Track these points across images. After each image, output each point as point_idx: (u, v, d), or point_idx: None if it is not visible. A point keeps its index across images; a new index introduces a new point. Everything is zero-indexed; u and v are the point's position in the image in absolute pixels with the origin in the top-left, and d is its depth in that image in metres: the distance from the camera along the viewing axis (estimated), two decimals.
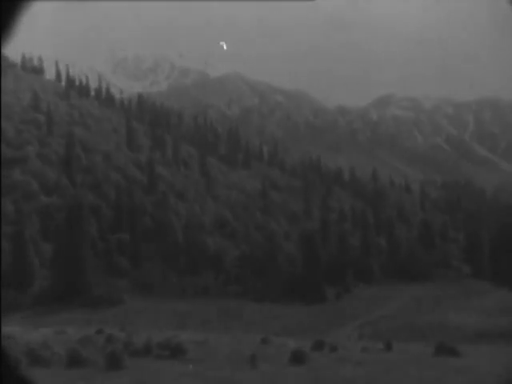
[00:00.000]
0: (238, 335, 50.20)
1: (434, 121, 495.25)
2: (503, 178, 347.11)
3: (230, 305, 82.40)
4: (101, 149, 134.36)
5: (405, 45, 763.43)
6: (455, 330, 61.55)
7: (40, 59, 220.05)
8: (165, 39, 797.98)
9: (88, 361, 28.50)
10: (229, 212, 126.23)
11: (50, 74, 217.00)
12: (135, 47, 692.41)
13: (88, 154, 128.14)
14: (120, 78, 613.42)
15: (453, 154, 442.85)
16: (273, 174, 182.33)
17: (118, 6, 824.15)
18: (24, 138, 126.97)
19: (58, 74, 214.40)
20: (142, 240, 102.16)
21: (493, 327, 61.82)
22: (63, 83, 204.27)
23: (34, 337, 39.41)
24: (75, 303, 76.58)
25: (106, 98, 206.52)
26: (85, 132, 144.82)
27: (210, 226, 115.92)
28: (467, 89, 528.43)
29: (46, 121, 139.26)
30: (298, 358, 30.97)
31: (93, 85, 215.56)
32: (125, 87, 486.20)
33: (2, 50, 8.91)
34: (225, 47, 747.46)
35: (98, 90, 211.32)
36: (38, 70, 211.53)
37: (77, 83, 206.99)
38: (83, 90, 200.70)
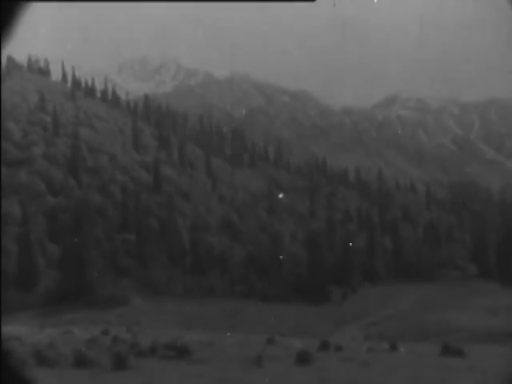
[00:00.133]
0: (244, 335, 50.17)
1: (439, 121, 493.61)
2: (509, 177, 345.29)
3: (235, 305, 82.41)
4: (107, 150, 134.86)
5: (410, 46, 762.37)
6: (461, 330, 61.37)
7: (46, 61, 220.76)
8: (171, 40, 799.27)
9: (94, 361, 28.54)
10: (234, 212, 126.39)
11: (55, 75, 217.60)
12: (141, 48, 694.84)
13: (94, 155, 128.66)
14: (126, 79, 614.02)
15: (459, 155, 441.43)
16: (278, 174, 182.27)
17: (123, 6, 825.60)
18: (30, 138, 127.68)
19: (64, 76, 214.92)
20: (147, 240, 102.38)
21: (499, 327, 61.48)
22: (69, 84, 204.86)
23: (40, 337, 39.52)
24: (81, 303, 76.86)
25: (112, 99, 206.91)
26: (91, 133, 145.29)
27: (215, 227, 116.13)
28: (471, 90, 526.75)
29: (52, 122, 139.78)
30: (303, 358, 30.89)
31: (99, 86, 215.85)
32: (131, 88, 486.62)
33: (3, 50, 8.93)
34: (231, 48, 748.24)
35: (104, 91, 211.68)
36: (45, 72, 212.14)
37: (83, 84, 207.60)
38: (89, 92, 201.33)
